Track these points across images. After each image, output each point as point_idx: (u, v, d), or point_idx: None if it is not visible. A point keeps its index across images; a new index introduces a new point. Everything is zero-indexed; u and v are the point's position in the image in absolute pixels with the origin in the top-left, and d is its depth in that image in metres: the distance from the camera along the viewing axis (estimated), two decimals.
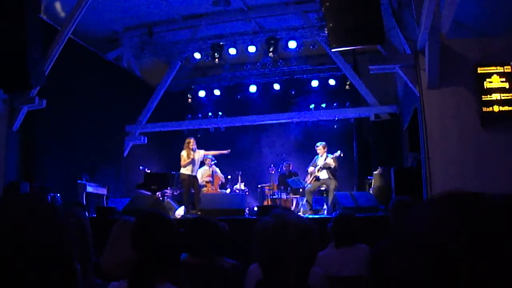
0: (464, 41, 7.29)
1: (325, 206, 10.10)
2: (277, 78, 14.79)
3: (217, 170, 12.28)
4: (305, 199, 10.50)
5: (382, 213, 7.83)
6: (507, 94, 7.00)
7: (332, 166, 10.35)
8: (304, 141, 13.74)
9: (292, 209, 11.06)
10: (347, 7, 6.98)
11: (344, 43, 7.51)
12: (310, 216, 8.74)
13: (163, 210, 9.08)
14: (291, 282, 1.75)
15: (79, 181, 10.12)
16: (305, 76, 14.54)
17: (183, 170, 10.34)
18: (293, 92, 14.72)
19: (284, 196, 11.65)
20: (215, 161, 12.20)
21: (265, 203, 11.83)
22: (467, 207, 0.62)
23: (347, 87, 13.68)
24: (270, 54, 12.65)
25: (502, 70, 7.07)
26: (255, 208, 9.47)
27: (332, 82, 14.31)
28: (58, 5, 10.62)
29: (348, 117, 13.11)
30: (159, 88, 13.81)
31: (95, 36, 12.50)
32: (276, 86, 14.83)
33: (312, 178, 10.54)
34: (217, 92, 15.39)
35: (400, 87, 11.27)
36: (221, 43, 12.86)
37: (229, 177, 12.88)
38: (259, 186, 12.82)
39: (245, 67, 14.66)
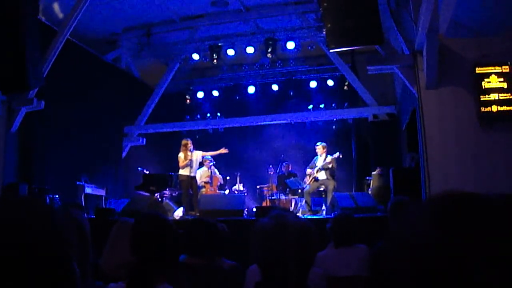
0: (462, 41, 7.29)
1: (324, 207, 10.10)
2: (275, 79, 14.79)
3: (216, 171, 12.28)
4: (304, 200, 10.50)
5: (381, 213, 7.84)
6: (505, 94, 7.01)
7: (331, 167, 10.35)
8: (303, 142, 13.75)
9: (291, 209, 11.06)
10: (345, 8, 6.98)
11: (342, 44, 7.51)
12: (309, 217, 8.74)
13: (162, 211, 9.08)
14: (291, 283, 1.75)
15: (77, 183, 10.10)
16: (303, 76, 14.55)
17: (181, 171, 10.38)
18: (291, 93, 14.72)
19: (283, 197, 11.64)
20: (214, 162, 12.20)
21: (264, 204, 11.83)
22: (463, 207, 0.62)
23: (345, 87, 13.69)
24: (268, 55, 12.66)
25: (501, 70, 7.07)
26: (254, 209, 9.47)
27: (330, 82, 14.32)
28: (56, 6, 10.62)
29: (346, 117, 13.12)
30: (158, 89, 13.80)
31: (93, 37, 12.50)
32: (275, 87, 14.84)
33: (311, 179, 10.54)
34: (215, 93, 15.40)
35: (398, 87, 11.29)
36: (219, 44, 12.87)
37: (227, 178, 12.88)
38: (258, 187, 12.82)
39: (243, 68, 14.67)
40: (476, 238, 0.57)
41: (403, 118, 10.69)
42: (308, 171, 10.73)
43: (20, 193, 8.08)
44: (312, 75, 14.47)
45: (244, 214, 9.08)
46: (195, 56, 13.38)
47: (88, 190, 10.20)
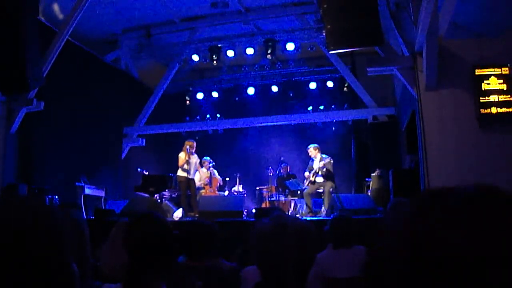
0: (462, 43, 7.30)
1: (323, 208, 10.09)
2: (275, 80, 14.77)
3: (215, 172, 12.29)
4: (305, 204, 10.47)
5: (380, 215, 7.83)
6: (505, 96, 7.01)
7: (324, 170, 10.25)
8: (302, 143, 13.70)
9: (290, 211, 11.06)
10: (345, 9, 6.98)
11: (342, 45, 7.51)
12: (309, 218, 8.73)
13: (161, 212, 9.07)
14: (290, 284, 1.74)
15: (77, 183, 10.08)
16: (303, 78, 14.54)
17: (180, 172, 10.39)
18: (291, 94, 14.71)
19: (282, 198, 11.63)
20: (213, 163, 12.20)
21: (263, 205, 11.82)
22: (436, 200, 0.65)
23: (345, 89, 13.68)
24: (268, 56, 12.65)
25: (500, 72, 7.08)
26: (253, 210, 9.47)
27: (330, 84, 14.30)
28: (56, 7, 10.62)
29: (346, 119, 13.10)
30: (157, 90, 13.79)
31: (93, 38, 12.50)
32: (274, 88, 14.82)
33: (309, 183, 10.53)
34: (215, 94, 15.39)
35: (398, 89, 11.30)
36: (219, 45, 12.86)
37: (227, 179, 12.88)
38: (257, 188, 12.81)
39: (243, 69, 14.65)
40: (448, 229, 0.59)
41: (402, 120, 10.69)
42: (306, 174, 10.68)
43: (19, 194, 8.07)
44: (311, 77, 14.45)
45: (243, 216, 9.08)
46: (195, 57, 13.37)
47: (87, 190, 10.18)
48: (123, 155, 13.16)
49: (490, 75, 7.09)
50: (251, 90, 14.90)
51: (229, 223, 7.48)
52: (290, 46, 12.54)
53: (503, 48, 7.19)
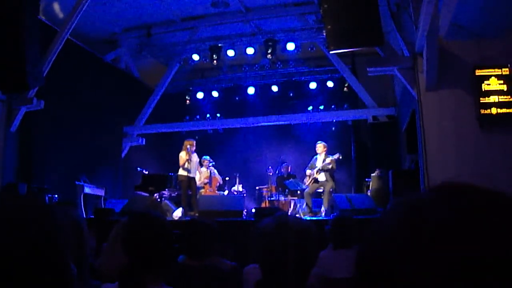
0: (462, 43, 7.30)
1: (322, 208, 10.09)
2: (275, 80, 14.78)
3: (215, 171, 12.29)
4: (304, 202, 10.48)
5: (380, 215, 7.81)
6: (505, 97, 7.01)
7: (330, 167, 10.31)
8: (302, 143, 13.74)
9: (289, 211, 11.05)
10: (346, 9, 6.98)
11: (342, 45, 7.51)
12: (309, 218, 8.73)
13: (161, 211, 9.07)
14: (290, 283, 1.75)
15: (77, 182, 10.09)
16: (303, 78, 14.55)
17: (181, 172, 10.40)
18: (291, 94, 14.73)
19: (282, 198, 11.64)
20: (213, 163, 12.21)
21: (263, 205, 11.82)
22: (417, 200, 0.66)
23: (345, 89, 13.69)
24: (268, 56, 12.65)
25: (500, 73, 7.07)
26: (253, 210, 9.46)
27: (330, 84, 14.31)
28: (56, 6, 10.62)
29: (346, 119, 13.12)
30: (157, 89, 13.80)
31: (93, 37, 12.50)
32: (274, 88, 14.83)
33: (311, 180, 10.51)
34: (215, 93, 15.39)
35: (398, 89, 11.29)
36: (219, 45, 12.86)
37: (227, 178, 12.88)
38: (257, 188, 12.81)
39: (243, 68, 14.65)
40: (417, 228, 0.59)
41: (402, 120, 10.69)
42: (308, 172, 10.68)
43: (19, 193, 8.07)
44: (312, 77, 14.46)
45: (243, 215, 9.08)
46: (195, 57, 13.38)
47: (87, 190, 10.18)
48: (123, 155, 13.17)
49: (490, 76, 7.08)
50: (251, 90, 14.90)
51: (228, 223, 7.47)
52: (291, 46, 12.55)
53: (503, 49, 7.18)
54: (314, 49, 12.71)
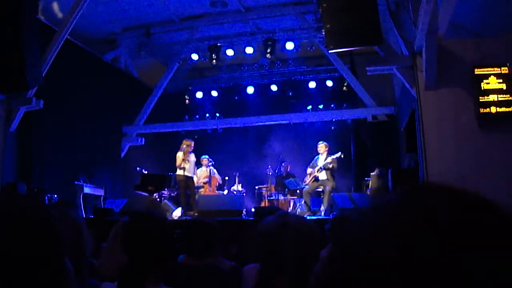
0: (461, 42, 7.30)
1: (322, 207, 10.10)
2: (274, 79, 14.77)
3: (215, 171, 12.29)
4: (303, 200, 10.50)
5: None
6: (504, 95, 7.02)
7: (331, 167, 10.33)
8: (301, 143, 13.75)
9: (289, 210, 11.06)
10: (345, 8, 6.97)
11: (341, 44, 7.51)
12: (308, 217, 8.73)
13: (160, 211, 9.06)
14: (291, 282, 1.75)
15: (76, 182, 10.08)
16: (302, 77, 14.54)
17: (179, 171, 10.39)
18: (290, 93, 14.73)
19: (281, 197, 11.64)
20: (213, 162, 12.21)
21: (262, 204, 11.83)
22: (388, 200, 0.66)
23: (344, 88, 13.69)
24: (268, 55, 12.64)
25: (500, 72, 7.08)
26: (252, 209, 9.47)
27: (329, 83, 14.31)
28: (55, 6, 10.61)
29: (345, 118, 13.12)
30: (157, 89, 13.79)
31: (92, 37, 12.49)
32: (274, 87, 14.82)
33: (311, 179, 10.52)
34: (214, 93, 15.39)
35: (398, 88, 11.30)
36: (218, 44, 12.85)
37: (226, 178, 12.88)
38: (256, 187, 12.80)
39: (242, 68, 14.65)
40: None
41: (402, 119, 10.70)
42: (309, 170, 10.70)
43: (18, 193, 8.06)
44: (311, 76, 14.45)
45: (242, 215, 9.08)
46: (194, 56, 13.37)
47: (86, 189, 10.18)
48: (122, 154, 13.17)
49: (489, 75, 7.09)
50: (250, 89, 14.90)
51: (228, 222, 7.48)
52: (290, 45, 12.54)
53: (502, 48, 7.19)
54: (313, 48, 12.70)
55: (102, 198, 10.79)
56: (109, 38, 13.16)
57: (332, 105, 13.64)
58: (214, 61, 12.94)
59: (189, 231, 3.19)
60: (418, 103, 7.40)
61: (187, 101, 15.51)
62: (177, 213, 10.27)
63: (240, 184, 12.75)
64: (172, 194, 11.54)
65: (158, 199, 10.62)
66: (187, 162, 10.39)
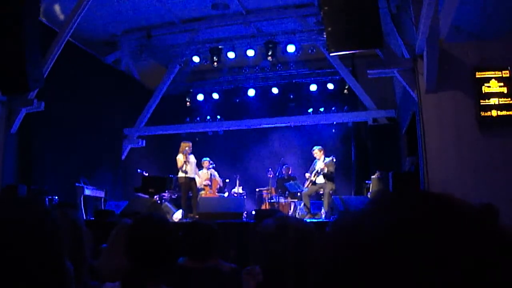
0: (462, 46, 7.30)
1: (323, 210, 10.10)
2: (275, 82, 14.78)
3: (215, 173, 12.29)
4: (302, 203, 10.50)
5: None
6: (505, 99, 7.01)
7: (326, 171, 10.36)
8: (302, 145, 13.74)
9: (289, 213, 11.07)
10: (346, 12, 6.97)
11: (342, 47, 7.51)
12: (308, 220, 8.73)
13: (161, 213, 9.06)
14: (291, 285, 1.74)
15: (77, 184, 10.08)
16: (303, 80, 14.54)
17: (180, 174, 10.40)
18: (291, 96, 14.74)
19: (282, 200, 11.64)
20: (214, 165, 12.21)
21: (263, 207, 11.84)
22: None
23: (345, 91, 13.69)
24: (269, 58, 12.63)
25: (501, 75, 7.08)
26: (253, 212, 9.47)
27: (330, 86, 14.30)
28: (57, 8, 10.62)
29: (346, 121, 13.13)
30: (158, 91, 13.80)
31: (93, 39, 12.51)
32: (275, 90, 14.82)
33: (309, 183, 10.57)
34: (215, 95, 15.38)
35: (398, 91, 11.29)
36: (219, 47, 12.85)
37: (227, 180, 12.88)
38: (257, 190, 12.81)
39: (243, 70, 14.64)
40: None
41: (402, 122, 10.69)
42: (307, 175, 10.77)
43: (19, 194, 8.06)
44: (312, 79, 14.45)
45: (243, 217, 9.08)
46: (195, 59, 13.37)
47: (87, 191, 10.18)
48: (123, 156, 13.17)
49: (490, 78, 7.09)
50: (251, 92, 14.90)
51: (229, 225, 7.48)
52: (291, 48, 12.53)
53: (503, 51, 7.19)
54: (314, 51, 12.70)
55: (102, 200, 10.79)
56: (110, 40, 13.17)
57: (333, 108, 13.64)
58: (215, 63, 12.93)
59: (189, 233, 3.19)
60: (419, 106, 7.40)
61: (188, 103, 15.51)
62: (177, 215, 10.26)
63: (241, 187, 12.75)
64: (172, 196, 11.54)
65: (158, 201, 10.62)
66: (188, 163, 10.40)
